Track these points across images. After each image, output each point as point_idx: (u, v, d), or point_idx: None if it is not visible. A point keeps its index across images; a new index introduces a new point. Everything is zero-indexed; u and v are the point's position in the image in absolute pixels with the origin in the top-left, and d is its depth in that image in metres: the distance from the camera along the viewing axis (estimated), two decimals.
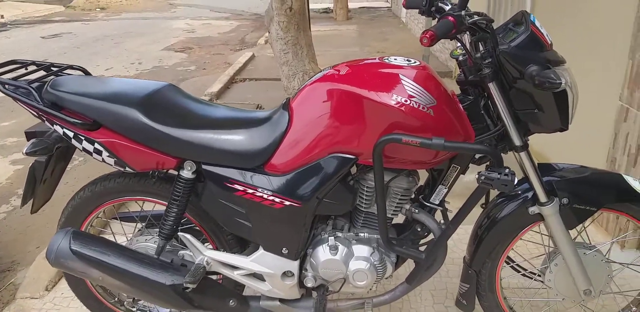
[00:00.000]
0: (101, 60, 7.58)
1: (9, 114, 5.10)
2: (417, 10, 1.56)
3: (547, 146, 3.15)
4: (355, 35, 9.18)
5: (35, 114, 1.55)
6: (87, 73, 1.73)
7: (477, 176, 1.38)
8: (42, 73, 1.68)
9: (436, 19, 1.44)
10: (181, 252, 1.63)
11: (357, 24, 10.72)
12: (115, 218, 1.82)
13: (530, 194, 1.55)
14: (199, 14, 14.01)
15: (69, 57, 7.86)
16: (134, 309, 1.87)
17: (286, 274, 1.58)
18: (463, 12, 1.29)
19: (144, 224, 1.77)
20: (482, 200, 1.65)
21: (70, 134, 1.51)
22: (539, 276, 1.71)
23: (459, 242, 2.44)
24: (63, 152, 1.69)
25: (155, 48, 8.63)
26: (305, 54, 3.07)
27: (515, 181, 1.37)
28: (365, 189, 1.53)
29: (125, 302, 1.86)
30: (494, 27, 1.39)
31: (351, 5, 12.57)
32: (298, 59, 3.03)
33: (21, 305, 2.15)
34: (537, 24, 1.39)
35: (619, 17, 2.41)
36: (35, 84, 1.55)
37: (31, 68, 1.68)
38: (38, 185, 1.65)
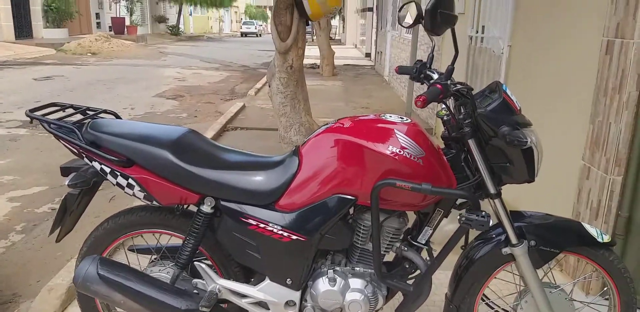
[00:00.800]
0: (95, 104, 7.73)
1: (4, 152, 5.24)
2: (408, 76, 1.86)
3: (519, 200, 3.42)
4: (340, 91, 9.65)
5: (75, 151, 1.76)
6: (118, 117, 1.97)
7: (458, 217, 1.63)
8: (78, 116, 1.90)
9: (424, 84, 1.74)
10: (194, 281, 1.81)
11: (343, 80, 11.25)
12: (132, 249, 2.00)
13: (502, 237, 1.79)
14: (189, 63, 14.50)
15: (63, 100, 8.06)
16: None
17: (288, 304, 1.76)
18: (448, 82, 1.59)
19: (157, 255, 1.95)
20: (462, 243, 1.90)
21: (107, 170, 1.73)
22: None
23: (440, 286, 2.63)
24: (91, 187, 1.88)
25: (147, 94, 8.93)
26: (302, 108, 3.37)
27: (491, 223, 1.61)
28: (361, 227, 1.76)
29: None
30: (473, 94, 1.69)
31: (336, 62, 13.22)
32: (295, 111, 3.32)
33: None
34: (509, 92, 1.69)
35: (581, 86, 2.76)
36: (76, 125, 1.77)
37: (68, 111, 1.91)
38: (67, 215, 1.83)
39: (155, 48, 19.94)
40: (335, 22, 36.92)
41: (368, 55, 17.86)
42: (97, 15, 25.73)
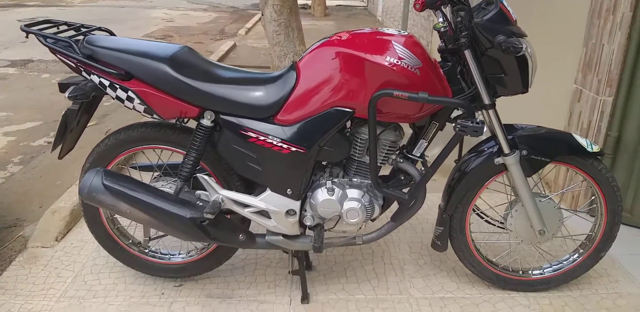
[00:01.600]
0: None
1: None
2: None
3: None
4: (333, 30, 9.46)
5: (73, 65, 1.76)
6: (112, 34, 1.95)
7: (453, 125, 1.67)
8: (72, 32, 1.88)
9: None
10: (197, 192, 1.86)
11: (335, 21, 11.02)
12: (134, 167, 2.04)
13: (495, 149, 1.85)
14: (177, 4, 14.05)
15: None
16: (146, 251, 2.09)
17: (289, 212, 1.83)
18: None
19: (160, 172, 1.99)
20: (456, 157, 1.96)
21: (106, 83, 1.73)
22: (502, 223, 2.02)
23: (433, 206, 2.73)
24: (89, 104, 1.90)
25: (135, 34, 8.71)
26: (296, 36, 3.33)
27: (485, 129, 1.66)
28: (358, 140, 1.80)
29: (139, 243, 2.08)
30: (470, 3, 1.69)
31: (328, 3, 12.87)
32: (289, 40, 3.28)
33: (33, 253, 2.33)
34: (505, 3, 1.69)
35: (576, 8, 2.74)
36: (72, 40, 1.76)
37: (62, 28, 1.89)
38: (68, 132, 1.86)
39: None
40: None
41: None
42: None
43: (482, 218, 2.07)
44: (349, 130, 1.83)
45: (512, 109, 2.91)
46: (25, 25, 1.76)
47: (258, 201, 1.82)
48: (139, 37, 8.39)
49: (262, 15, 3.35)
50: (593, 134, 2.57)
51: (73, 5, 13.23)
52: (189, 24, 10.28)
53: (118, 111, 4.50)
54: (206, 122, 1.77)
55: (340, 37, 1.74)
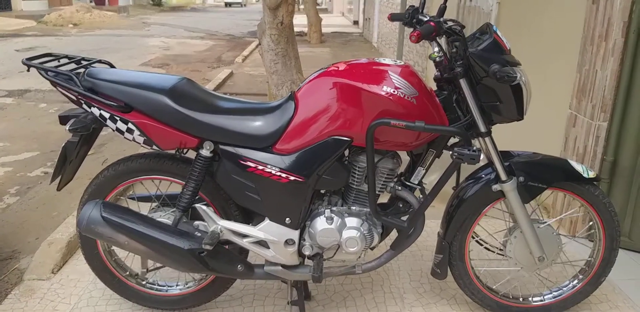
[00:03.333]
0: None
1: None
2: (401, 22, 1.88)
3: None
4: (329, 57, 9.60)
5: (74, 98, 1.77)
6: (113, 67, 1.97)
7: (450, 152, 1.69)
8: (73, 65, 1.91)
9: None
10: (196, 223, 1.86)
11: (331, 47, 11.18)
12: (132, 198, 2.04)
13: (492, 176, 1.86)
14: (174, 33, 14.28)
15: None
16: (144, 282, 2.07)
17: (288, 242, 1.83)
18: (441, 19, 1.62)
19: (158, 203, 1.99)
20: (454, 184, 1.97)
21: (107, 115, 1.75)
22: (501, 249, 2.01)
23: (432, 233, 2.73)
24: (89, 136, 1.91)
25: (132, 63, 8.82)
26: (293, 65, 3.38)
27: (482, 157, 1.67)
28: (357, 168, 1.81)
29: (137, 275, 2.06)
30: (464, 33, 1.72)
31: (324, 30, 13.09)
32: (286, 69, 3.33)
33: (29, 285, 2.30)
34: (499, 33, 1.73)
35: (569, 35, 2.80)
36: (73, 73, 1.78)
37: (63, 61, 1.91)
38: (67, 164, 1.86)
39: (138, 19, 19.54)
40: None
41: (356, 22, 17.67)
42: None
43: (482, 245, 2.06)
44: (347, 158, 1.84)
45: (508, 134, 2.94)
46: (26, 59, 1.79)
47: (257, 231, 1.82)
48: (136, 66, 8.50)
49: (260, 44, 3.41)
50: (589, 159, 2.59)
51: (70, 34, 13.42)
52: (186, 52, 10.42)
53: (115, 141, 4.52)
54: (205, 152, 1.77)
55: (338, 67, 1.77)
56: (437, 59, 1.78)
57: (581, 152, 2.64)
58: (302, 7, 14.86)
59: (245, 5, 44.20)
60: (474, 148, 1.66)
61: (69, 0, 23.36)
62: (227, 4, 43.05)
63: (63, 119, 1.84)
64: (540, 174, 1.84)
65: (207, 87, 6.37)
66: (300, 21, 12.86)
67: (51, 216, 3.14)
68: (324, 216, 1.81)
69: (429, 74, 5.88)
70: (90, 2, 24.07)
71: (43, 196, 3.43)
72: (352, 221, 1.83)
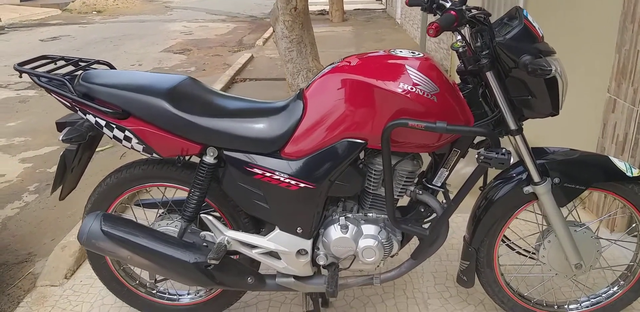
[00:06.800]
0: None
1: (13, 114, 5.21)
2: (420, 8, 1.69)
3: (541, 137, 3.29)
4: (351, 36, 9.33)
5: (68, 104, 1.66)
6: (112, 68, 1.85)
7: (476, 156, 1.52)
8: (70, 68, 1.79)
9: (437, 15, 1.58)
10: (202, 233, 1.75)
11: (353, 26, 10.88)
12: (138, 204, 1.94)
13: (524, 176, 1.69)
14: (195, 17, 14.14)
15: None
16: (154, 292, 1.99)
17: (300, 252, 1.70)
18: (463, 7, 1.43)
19: (164, 210, 1.89)
20: (481, 183, 1.80)
21: (102, 123, 1.63)
22: (533, 253, 1.85)
23: (457, 229, 2.57)
24: (89, 142, 1.80)
25: (154, 50, 8.75)
26: (309, 52, 3.20)
27: (512, 160, 1.50)
28: (373, 172, 1.66)
29: (146, 285, 1.98)
30: (491, 22, 1.53)
31: (346, 7, 12.74)
32: (302, 56, 3.16)
33: (42, 292, 2.25)
34: (530, 18, 1.52)
35: (607, 14, 2.55)
36: (67, 77, 1.67)
37: (60, 63, 1.80)
38: (68, 172, 1.77)
39: (161, 3, 19.40)
40: None
41: None
42: None
43: (513, 250, 1.90)
44: (362, 161, 1.69)
45: (538, 121, 2.73)
46: (18, 64, 1.68)
47: (266, 241, 1.70)
48: (157, 52, 8.43)
49: (274, 31, 3.24)
50: (630, 148, 2.37)
51: (94, 22, 13.41)
52: (208, 36, 10.29)
53: None
54: (209, 159, 1.65)
55: (350, 62, 1.61)
56: (460, 50, 1.59)
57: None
58: None
59: None
60: (503, 151, 1.48)
61: None
62: None
63: (60, 126, 1.74)
64: (578, 174, 1.65)
65: (227, 72, 6.28)
66: None
67: (68, 215, 3.09)
68: (338, 224, 1.68)
69: (456, 61, 5.60)
70: None
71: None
72: (369, 229, 1.69)
